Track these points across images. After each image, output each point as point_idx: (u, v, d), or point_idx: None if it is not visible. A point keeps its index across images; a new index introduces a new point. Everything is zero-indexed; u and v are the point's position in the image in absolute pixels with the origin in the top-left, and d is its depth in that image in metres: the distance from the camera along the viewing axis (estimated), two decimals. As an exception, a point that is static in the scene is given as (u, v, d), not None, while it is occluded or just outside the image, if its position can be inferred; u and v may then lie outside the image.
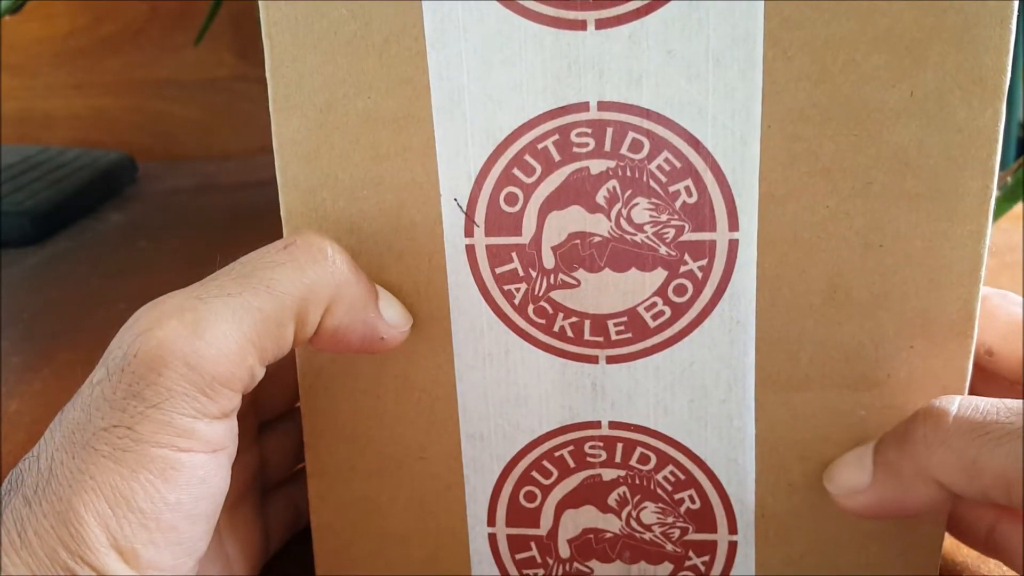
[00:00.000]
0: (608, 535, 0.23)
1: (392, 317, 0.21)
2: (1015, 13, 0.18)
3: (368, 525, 0.25)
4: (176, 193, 0.67)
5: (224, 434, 0.19)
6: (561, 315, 0.22)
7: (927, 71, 0.19)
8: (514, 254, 0.21)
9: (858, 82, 0.19)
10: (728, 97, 0.19)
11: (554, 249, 0.21)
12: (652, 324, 0.21)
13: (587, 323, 0.22)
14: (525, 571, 0.24)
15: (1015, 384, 0.23)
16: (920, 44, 0.19)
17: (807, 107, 0.19)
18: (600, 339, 0.22)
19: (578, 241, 0.21)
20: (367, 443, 0.24)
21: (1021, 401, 0.19)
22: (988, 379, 0.24)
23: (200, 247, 0.54)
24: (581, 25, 0.19)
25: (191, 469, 0.18)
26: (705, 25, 0.19)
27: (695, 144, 0.20)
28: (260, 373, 0.20)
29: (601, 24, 0.19)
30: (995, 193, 0.19)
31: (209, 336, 0.18)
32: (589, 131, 0.20)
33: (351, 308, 0.20)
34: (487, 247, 0.21)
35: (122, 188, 0.67)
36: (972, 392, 0.24)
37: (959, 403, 0.20)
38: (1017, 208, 0.37)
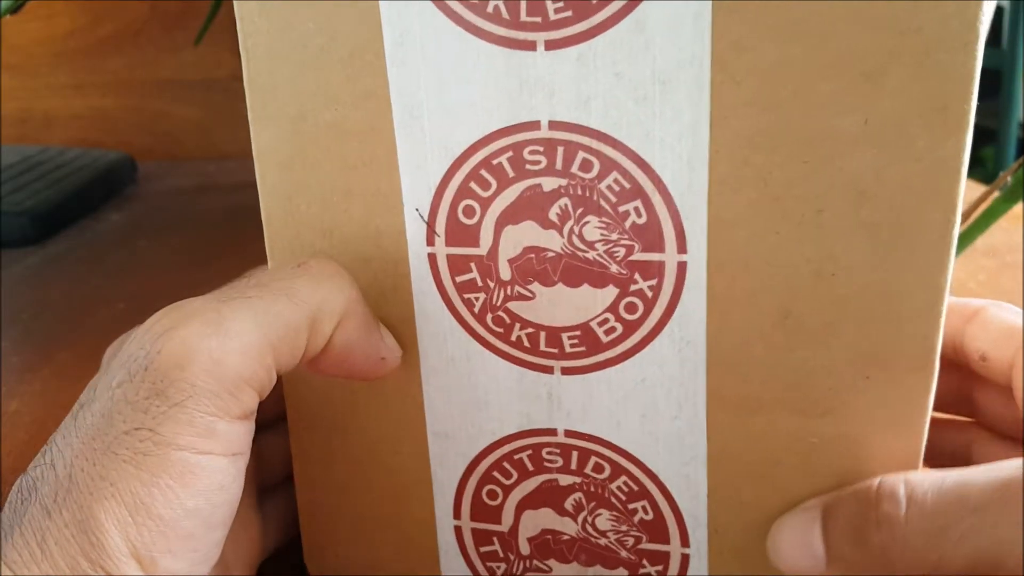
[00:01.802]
0: (565, 537, 0.24)
1: (391, 342, 0.22)
2: (981, 39, 0.17)
3: (348, 508, 0.25)
4: (176, 193, 0.67)
5: (242, 437, 0.19)
6: (518, 325, 0.22)
7: (884, 98, 0.18)
8: (473, 264, 0.22)
9: (809, 108, 0.18)
10: (675, 120, 0.19)
11: (510, 262, 0.21)
12: (604, 339, 0.22)
13: (542, 334, 0.22)
14: (488, 564, 0.25)
15: (1006, 389, 0.22)
16: (877, 70, 0.18)
17: (756, 133, 0.19)
18: (555, 351, 0.22)
19: (533, 255, 0.21)
20: (344, 433, 0.25)
21: (975, 475, 0.19)
22: (982, 384, 0.24)
23: (200, 247, 0.54)
24: (531, 46, 0.19)
25: (210, 474, 0.18)
26: (652, 47, 0.19)
27: (643, 166, 0.20)
28: (275, 377, 0.20)
29: (551, 45, 0.19)
30: (957, 225, 0.18)
31: (233, 334, 0.18)
32: (541, 149, 0.20)
33: (359, 326, 0.21)
34: (447, 256, 0.22)
35: (122, 188, 0.67)
36: (965, 397, 0.25)
37: (907, 499, 0.19)
38: (1017, 208, 0.37)
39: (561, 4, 0.19)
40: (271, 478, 0.27)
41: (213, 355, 0.18)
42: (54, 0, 0.71)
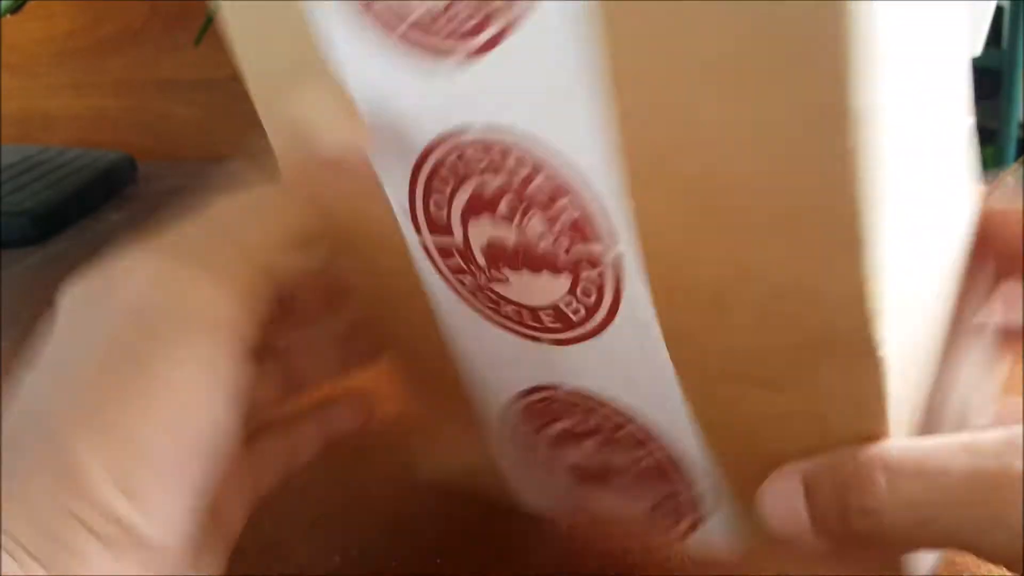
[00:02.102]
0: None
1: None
2: (862, 29, 0.16)
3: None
4: (176, 193, 0.66)
5: (223, 363, 0.19)
6: (502, 303, 0.23)
7: (767, 98, 0.17)
8: (455, 251, 0.23)
9: (698, 110, 0.18)
10: (587, 120, 0.19)
11: (481, 251, 0.23)
12: (574, 318, 0.23)
13: (524, 312, 0.23)
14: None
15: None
16: (755, 70, 0.17)
17: (654, 135, 0.19)
18: (538, 325, 0.23)
19: (496, 246, 0.22)
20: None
21: (955, 460, 0.19)
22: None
23: (200, 247, 0.54)
24: (453, 54, 0.20)
25: (193, 398, 0.18)
26: (552, 50, 0.19)
27: (568, 164, 0.20)
28: (256, 308, 0.20)
29: (471, 54, 0.20)
30: (877, 219, 0.18)
31: (203, 266, 0.19)
32: (481, 149, 0.21)
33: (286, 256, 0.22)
34: (434, 245, 0.23)
35: (122, 188, 0.67)
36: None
37: (888, 489, 0.19)
38: (1017, 208, 0.37)
39: (471, 11, 0.19)
40: (262, 417, 0.27)
41: (184, 285, 0.18)
42: (54, 0, 0.71)
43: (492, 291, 0.23)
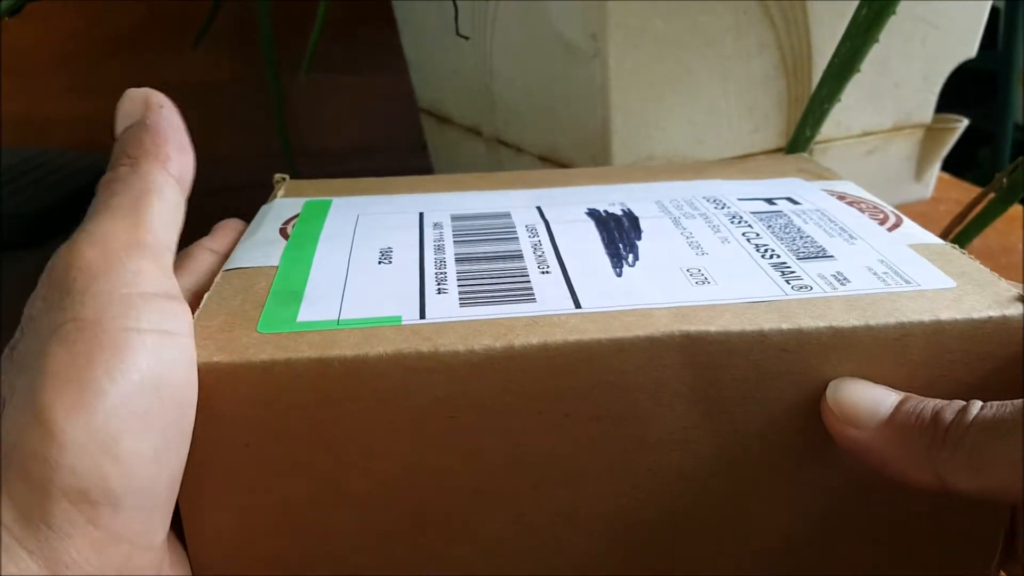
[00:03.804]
0: None
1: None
2: None
3: None
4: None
5: (172, 314, 0.19)
6: None
7: None
8: None
9: None
10: None
11: None
12: None
13: None
14: None
15: None
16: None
17: None
18: None
19: None
20: None
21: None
22: None
23: (200, 249, 0.54)
24: None
25: (147, 349, 0.18)
26: None
27: None
28: (166, 248, 0.21)
29: None
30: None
31: (99, 230, 0.20)
32: None
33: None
34: None
35: (121, 190, 0.67)
36: None
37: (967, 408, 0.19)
38: (1013, 210, 0.37)
39: None
40: None
41: (95, 247, 0.19)
42: (53, 2, 0.71)
43: None
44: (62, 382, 0.17)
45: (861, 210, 0.28)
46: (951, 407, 0.20)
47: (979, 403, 0.19)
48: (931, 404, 0.20)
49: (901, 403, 0.20)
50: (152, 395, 0.18)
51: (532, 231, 0.27)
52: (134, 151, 0.22)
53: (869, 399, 0.21)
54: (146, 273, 0.19)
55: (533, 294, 0.22)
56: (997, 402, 0.19)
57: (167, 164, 0.22)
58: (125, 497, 0.17)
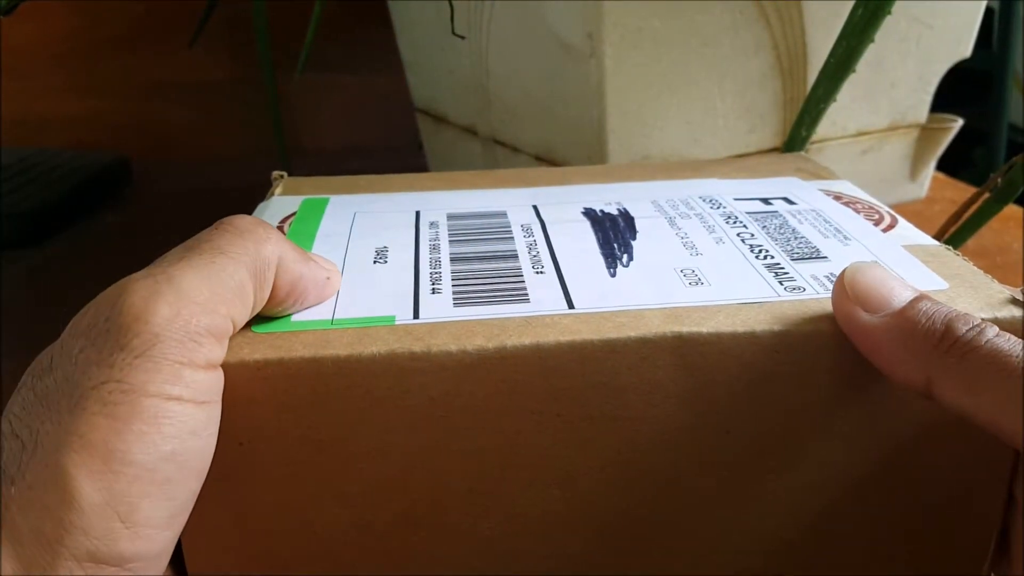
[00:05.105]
0: None
1: (325, 263, 0.23)
2: None
3: None
4: (171, 195, 0.67)
5: (211, 385, 0.19)
6: None
7: None
8: None
9: None
10: None
11: None
12: None
13: None
14: None
15: None
16: None
17: None
18: None
19: None
20: None
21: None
22: None
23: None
24: None
25: (182, 419, 0.18)
26: None
27: None
28: (231, 329, 0.20)
29: None
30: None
31: (185, 287, 0.19)
32: None
33: (295, 260, 0.21)
34: None
35: (118, 190, 0.68)
36: None
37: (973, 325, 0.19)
38: (1007, 210, 0.37)
39: None
40: None
41: (172, 306, 0.18)
42: (50, 1, 0.71)
43: None
44: (91, 445, 0.17)
45: (857, 211, 0.28)
46: (964, 319, 0.19)
47: (996, 328, 0.19)
48: (944, 310, 0.20)
49: (916, 299, 0.20)
50: (178, 464, 0.18)
51: (527, 231, 0.27)
52: (264, 226, 0.22)
53: (887, 287, 0.21)
54: (207, 347, 0.19)
55: (527, 294, 0.22)
56: (1016, 337, 0.19)
57: (282, 257, 0.21)
58: (133, 559, 0.17)
